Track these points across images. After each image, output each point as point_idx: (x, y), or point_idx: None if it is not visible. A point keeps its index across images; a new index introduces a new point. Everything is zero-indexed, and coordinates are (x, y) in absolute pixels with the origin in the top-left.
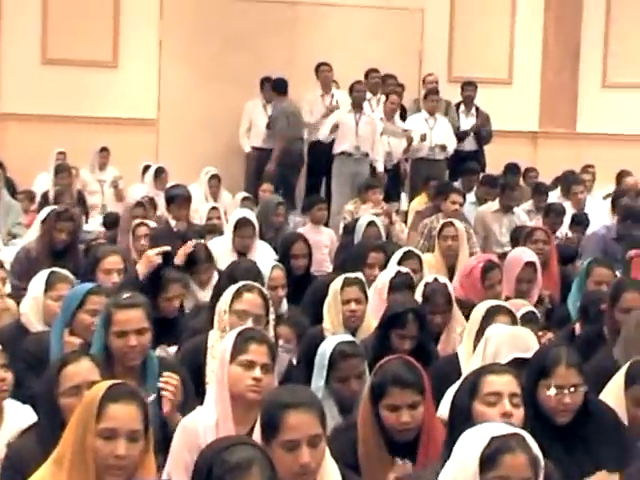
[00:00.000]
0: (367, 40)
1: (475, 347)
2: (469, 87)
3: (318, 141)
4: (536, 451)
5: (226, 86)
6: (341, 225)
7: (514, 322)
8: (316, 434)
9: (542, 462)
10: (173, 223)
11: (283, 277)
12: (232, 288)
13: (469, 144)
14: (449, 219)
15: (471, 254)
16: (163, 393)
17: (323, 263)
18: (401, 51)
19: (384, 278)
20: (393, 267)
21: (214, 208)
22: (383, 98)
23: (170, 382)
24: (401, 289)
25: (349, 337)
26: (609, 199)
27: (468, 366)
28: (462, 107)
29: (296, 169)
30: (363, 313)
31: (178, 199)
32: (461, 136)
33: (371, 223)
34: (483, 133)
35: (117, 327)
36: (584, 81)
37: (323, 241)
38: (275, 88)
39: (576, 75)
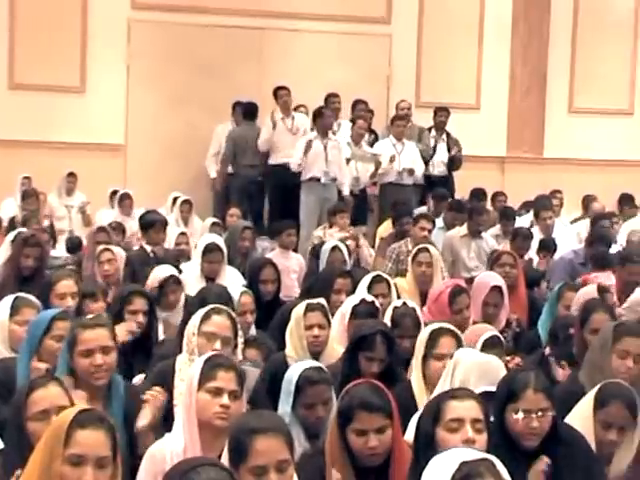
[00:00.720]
0: (335, 65)
1: (423, 371)
2: (442, 112)
3: (281, 165)
4: (505, 476)
5: (195, 111)
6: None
7: (459, 344)
8: (284, 459)
9: None
10: (148, 248)
11: (252, 303)
12: (201, 311)
13: (438, 169)
14: (424, 244)
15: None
16: (147, 397)
17: (292, 289)
18: (369, 76)
19: (348, 305)
20: (360, 293)
21: (182, 234)
22: (348, 124)
23: (157, 396)
24: (363, 317)
25: (315, 363)
26: (576, 224)
27: (435, 389)
28: (432, 132)
29: (256, 195)
30: (326, 338)
31: (157, 225)
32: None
33: (335, 248)
34: (456, 159)
35: (82, 346)
36: (551, 106)
37: (292, 266)
38: (243, 112)
39: (543, 100)
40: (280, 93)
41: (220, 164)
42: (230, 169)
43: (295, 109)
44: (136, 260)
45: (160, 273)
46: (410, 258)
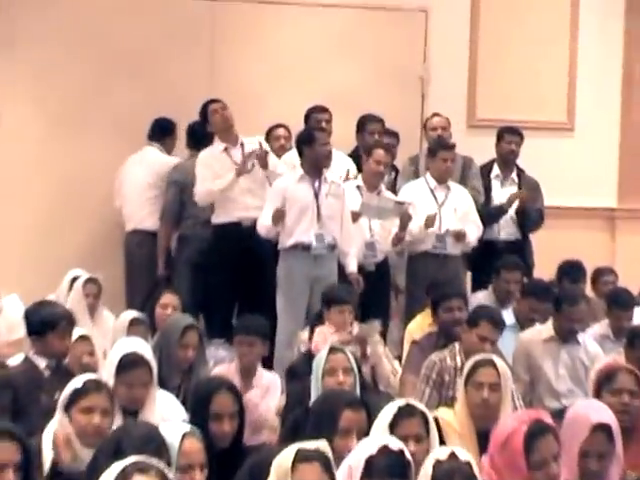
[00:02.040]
0: (335, 60)
1: None
2: (511, 136)
3: (235, 224)
4: None
5: (97, 133)
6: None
7: None
8: None
9: None
10: (42, 363)
11: (200, 451)
12: (115, 467)
13: (506, 230)
14: (485, 355)
15: None
16: None
17: (261, 428)
18: (391, 78)
19: (360, 454)
20: (379, 434)
21: (83, 338)
22: (343, 157)
23: None
24: (385, 476)
25: None
26: None
27: None
28: (495, 169)
29: (205, 271)
30: None
31: (61, 324)
32: (493, 214)
33: (336, 353)
34: (531, 212)
35: None
36: None
37: (262, 391)
38: (191, 136)
39: None
40: (212, 107)
41: (162, 222)
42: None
43: (269, 132)
44: (21, 382)
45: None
46: (462, 377)
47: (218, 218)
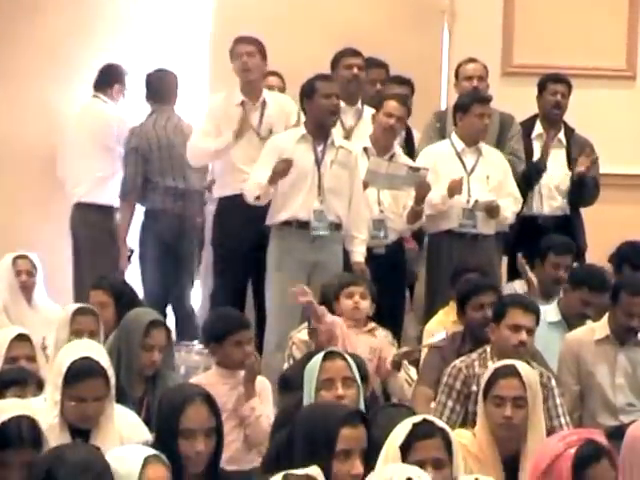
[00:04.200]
0: None
1: None
2: (556, 86)
3: (233, 197)
4: None
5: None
6: (285, 366)
7: None
8: None
9: None
10: None
11: (167, 479)
12: None
13: (549, 203)
14: (509, 361)
15: (551, 430)
16: None
17: (246, 450)
18: (406, 14)
19: None
20: (391, 461)
21: (21, 337)
22: (368, 110)
23: None
24: None
25: None
26: None
27: None
28: (537, 128)
29: (183, 258)
30: None
31: None
32: (529, 176)
33: (334, 357)
34: (585, 183)
35: None
36: None
37: (248, 403)
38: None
39: None
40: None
41: (122, 200)
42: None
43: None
44: None
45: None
46: (479, 387)
47: (223, 190)
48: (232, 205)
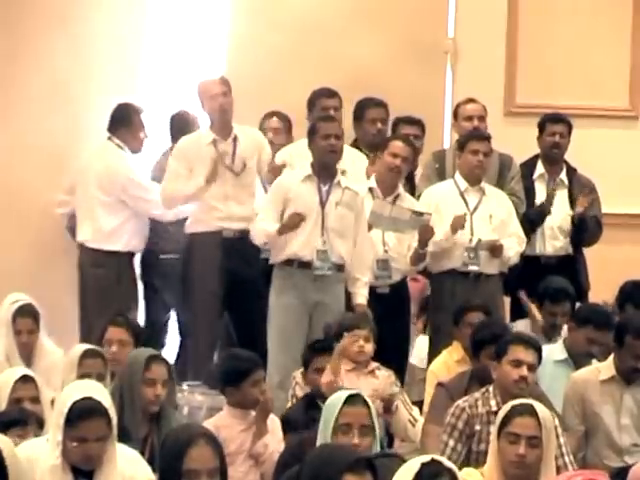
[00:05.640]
0: (343, 32)
1: None
2: (554, 126)
3: (206, 234)
4: None
5: None
6: (288, 404)
7: None
8: None
9: None
10: None
11: None
12: None
13: (551, 243)
14: (523, 401)
15: (557, 469)
16: None
17: None
18: (407, 52)
19: None
20: None
21: (26, 378)
22: (348, 150)
23: None
24: None
25: None
26: None
27: None
28: (538, 168)
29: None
30: None
31: None
32: (533, 219)
33: (353, 400)
34: (586, 223)
35: None
36: None
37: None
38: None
39: None
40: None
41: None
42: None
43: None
44: None
45: None
46: (494, 427)
47: (194, 226)
48: (204, 242)
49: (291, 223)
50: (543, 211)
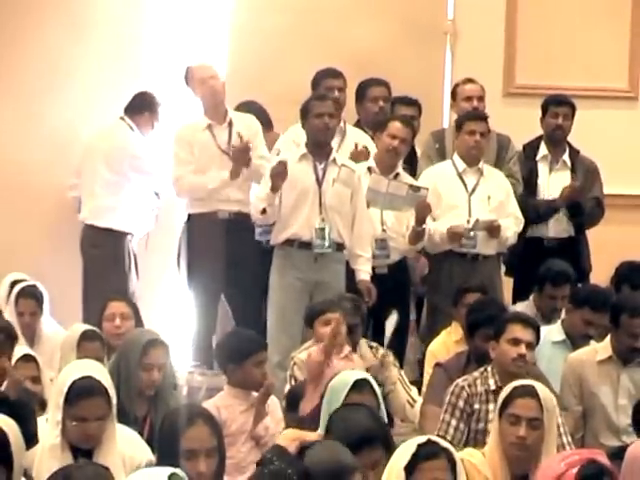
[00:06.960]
0: (341, 14)
1: None
2: (557, 108)
3: (204, 214)
4: None
5: None
6: (287, 388)
7: None
8: None
9: None
10: None
11: None
12: None
13: (556, 226)
14: (522, 382)
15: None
16: None
17: None
18: (407, 34)
19: None
20: None
21: (27, 358)
22: (351, 130)
23: None
24: None
25: None
26: None
27: None
28: (542, 149)
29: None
30: None
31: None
32: (543, 213)
33: (360, 387)
34: (586, 204)
35: None
36: None
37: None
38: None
39: None
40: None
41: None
42: None
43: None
44: None
45: None
46: (496, 408)
47: (192, 207)
48: (202, 222)
49: (277, 171)
50: (555, 207)
